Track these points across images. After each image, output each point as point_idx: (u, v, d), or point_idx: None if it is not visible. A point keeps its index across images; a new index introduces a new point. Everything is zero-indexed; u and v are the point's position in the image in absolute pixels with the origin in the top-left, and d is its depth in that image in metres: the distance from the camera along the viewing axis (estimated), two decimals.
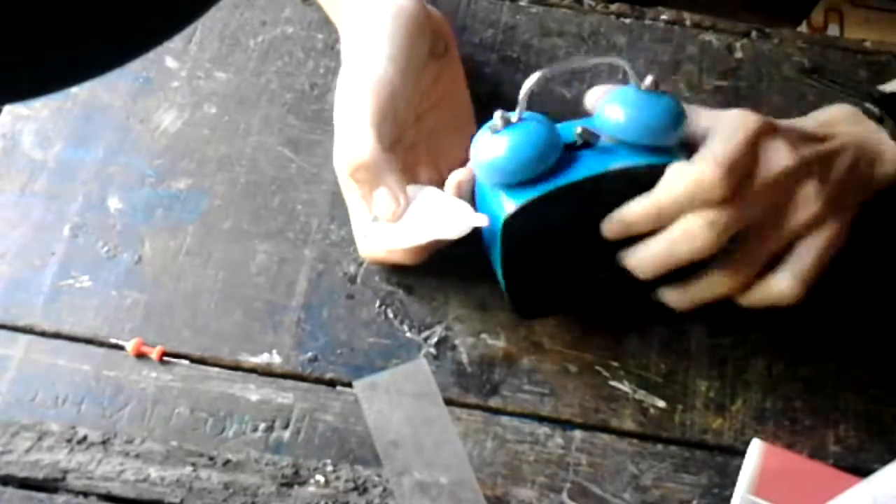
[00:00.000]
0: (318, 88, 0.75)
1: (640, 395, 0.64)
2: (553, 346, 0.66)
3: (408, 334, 0.66)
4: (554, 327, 0.66)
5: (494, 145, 0.59)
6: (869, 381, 0.65)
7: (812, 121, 0.66)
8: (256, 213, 0.70)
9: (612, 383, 0.65)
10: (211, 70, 0.76)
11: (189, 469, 0.61)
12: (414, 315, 0.67)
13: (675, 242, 0.60)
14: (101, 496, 0.61)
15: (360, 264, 0.68)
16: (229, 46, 0.77)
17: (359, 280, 0.68)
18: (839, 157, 0.63)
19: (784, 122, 0.64)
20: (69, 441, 0.62)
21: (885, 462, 0.58)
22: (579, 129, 0.60)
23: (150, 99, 0.74)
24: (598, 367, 0.65)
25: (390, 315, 0.67)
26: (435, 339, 0.66)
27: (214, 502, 0.60)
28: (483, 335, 0.66)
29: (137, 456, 0.62)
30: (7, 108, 0.74)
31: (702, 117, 0.63)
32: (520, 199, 0.59)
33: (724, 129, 0.61)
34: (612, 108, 0.60)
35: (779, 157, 0.61)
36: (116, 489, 0.61)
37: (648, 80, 0.60)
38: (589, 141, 0.60)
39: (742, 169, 0.59)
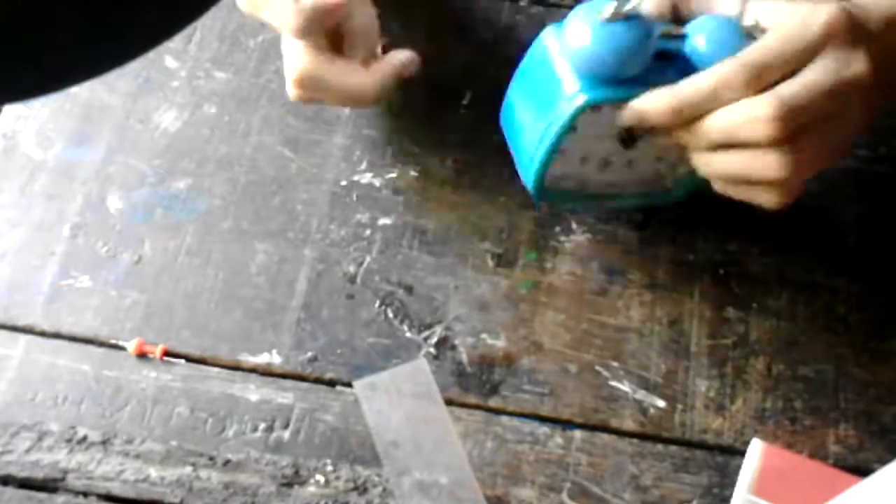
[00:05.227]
0: None
1: (640, 395, 0.64)
2: (553, 346, 0.66)
3: (408, 334, 0.66)
4: (554, 327, 0.66)
5: (592, 35, 0.58)
6: (869, 381, 0.65)
7: (879, 11, 0.60)
8: (256, 213, 0.70)
9: (612, 383, 0.65)
10: (211, 70, 0.76)
11: (189, 469, 0.61)
12: (414, 315, 0.67)
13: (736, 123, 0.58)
14: (101, 496, 0.61)
15: (360, 264, 0.68)
16: (229, 46, 0.77)
17: (359, 280, 0.68)
18: (889, 64, 0.59)
19: (854, 9, 0.59)
20: (69, 441, 0.62)
21: (885, 462, 0.58)
22: (666, 31, 0.60)
23: (150, 99, 0.74)
24: (598, 367, 0.65)
25: (390, 315, 0.67)
26: (435, 339, 0.66)
27: (214, 502, 0.60)
28: (483, 335, 0.66)
29: (137, 456, 0.62)
30: (7, 107, 0.74)
31: (767, 11, 0.60)
32: (593, 94, 0.59)
33: (783, 28, 0.57)
34: (699, 37, 0.59)
35: (854, 63, 0.57)
36: (116, 489, 0.61)
37: (750, 20, 0.59)
38: (669, 52, 0.60)
39: (776, 72, 0.57)
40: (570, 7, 0.78)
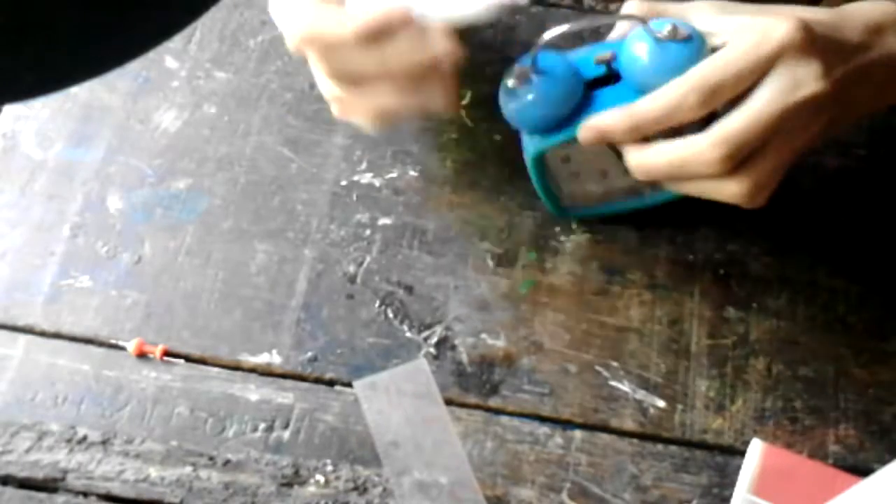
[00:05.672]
0: (317, 88, 0.75)
1: (640, 395, 0.64)
2: (553, 346, 0.66)
3: (408, 334, 0.66)
4: (554, 327, 0.66)
5: (515, 100, 0.61)
6: (869, 381, 0.65)
7: (859, 20, 0.60)
8: (256, 213, 0.70)
9: (612, 383, 0.65)
10: (211, 70, 0.76)
11: (189, 469, 0.61)
12: (414, 315, 0.67)
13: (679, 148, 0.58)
14: (100, 496, 0.61)
15: (360, 264, 0.68)
16: (229, 46, 0.77)
17: (359, 280, 0.68)
18: (871, 73, 0.59)
19: (825, 21, 0.59)
20: (69, 441, 0.62)
21: (885, 462, 0.58)
22: (599, 57, 0.61)
23: (150, 99, 0.74)
24: (598, 367, 0.65)
25: (390, 315, 0.67)
26: (435, 339, 0.66)
27: (214, 502, 0.60)
28: (483, 335, 0.66)
29: (137, 456, 0.62)
30: (7, 107, 0.74)
31: (725, 26, 0.60)
32: (543, 142, 0.63)
33: (738, 42, 0.57)
34: (627, 53, 0.60)
35: (808, 81, 0.57)
36: (116, 489, 0.61)
37: (666, 29, 0.59)
38: (610, 74, 0.61)
39: (729, 92, 0.57)
40: (570, 7, 0.79)
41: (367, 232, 0.70)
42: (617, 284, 0.68)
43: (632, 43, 0.60)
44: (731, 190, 0.58)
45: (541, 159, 0.65)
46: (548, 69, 0.60)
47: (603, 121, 0.59)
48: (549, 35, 0.60)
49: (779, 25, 0.57)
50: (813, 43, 0.57)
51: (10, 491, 0.61)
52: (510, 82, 0.61)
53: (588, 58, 0.62)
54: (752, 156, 0.58)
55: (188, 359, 0.65)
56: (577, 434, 0.63)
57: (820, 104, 0.57)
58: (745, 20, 0.59)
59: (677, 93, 0.57)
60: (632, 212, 0.69)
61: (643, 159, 0.59)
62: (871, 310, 0.67)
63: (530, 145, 0.63)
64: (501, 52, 0.76)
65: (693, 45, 0.59)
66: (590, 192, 0.69)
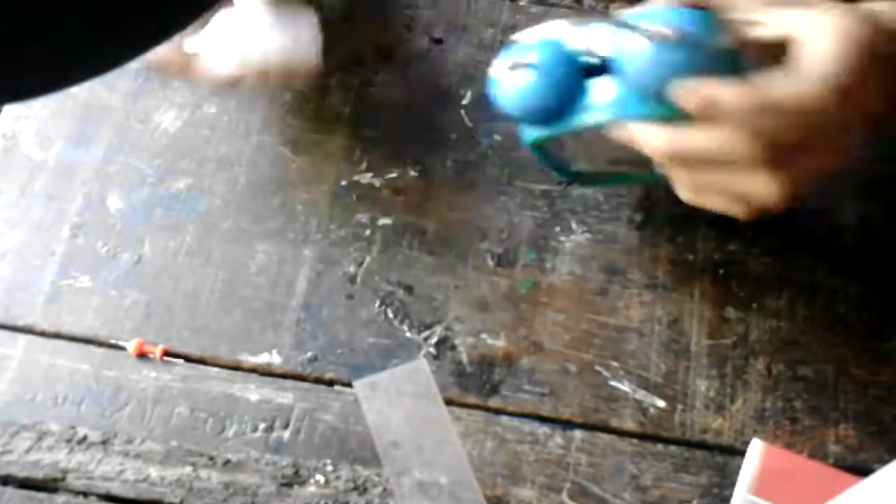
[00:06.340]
0: (317, 88, 0.75)
1: (640, 395, 0.64)
2: (553, 346, 0.66)
3: (408, 334, 0.66)
4: (554, 327, 0.66)
5: (509, 93, 0.61)
6: (869, 381, 0.65)
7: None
8: (256, 213, 0.70)
9: (612, 383, 0.65)
10: None
11: (189, 469, 0.61)
12: (414, 315, 0.67)
13: (713, 139, 0.56)
14: (100, 496, 0.61)
15: (360, 264, 0.68)
16: None
17: (359, 280, 0.68)
18: None
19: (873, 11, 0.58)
20: (69, 441, 0.62)
21: (885, 462, 0.58)
22: (590, 51, 0.60)
23: (150, 99, 0.74)
24: (598, 367, 0.65)
25: (390, 315, 0.67)
26: (435, 339, 0.66)
27: (214, 502, 0.60)
28: (483, 335, 0.66)
29: (137, 456, 0.62)
30: (7, 108, 0.74)
31: (773, 20, 0.57)
32: (541, 133, 0.63)
33: (830, 42, 0.55)
34: (625, 51, 0.58)
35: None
36: (116, 489, 0.61)
37: (661, 28, 0.56)
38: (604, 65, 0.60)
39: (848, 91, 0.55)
40: (569, 7, 0.79)
41: (367, 232, 0.70)
42: (617, 284, 0.68)
43: (626, 39, 0.57)
44: (768, 187, 0.56)
45: (541, 144, 0.64)
46: (542, 60, 0.60)
47: (646, 136, 0.57)
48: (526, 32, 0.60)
49: (855, 26, 0.55)
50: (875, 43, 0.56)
51: (10, 491, 0.61)
52: (504, 75, 0.61)
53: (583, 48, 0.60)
54: (795, 150, 0.56)
55: (188, 359, 0.65)
56: (577, 434, 0.63)
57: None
58: (813, 14, 0.57)
59: (730, 142, 0.55)
60: (643, 184, 0.68)
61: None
62: (871, 310, 0.67)
63: (527, 133, 0.63)
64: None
65: (687, 48, 0.56)
66: (605, 158, 0.67)
